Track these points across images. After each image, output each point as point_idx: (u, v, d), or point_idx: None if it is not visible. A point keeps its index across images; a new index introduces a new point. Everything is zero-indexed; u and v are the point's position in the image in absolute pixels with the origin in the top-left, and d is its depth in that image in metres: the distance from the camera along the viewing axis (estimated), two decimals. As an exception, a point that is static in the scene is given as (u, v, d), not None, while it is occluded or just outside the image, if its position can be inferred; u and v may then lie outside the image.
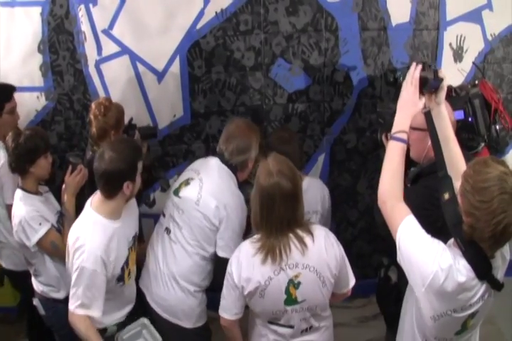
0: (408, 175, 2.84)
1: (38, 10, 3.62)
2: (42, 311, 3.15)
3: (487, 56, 4.12)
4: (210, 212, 2.87)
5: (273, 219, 2.37)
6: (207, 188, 2.92)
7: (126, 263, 2.72)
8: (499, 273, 2.05)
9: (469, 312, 2.03)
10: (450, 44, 4.02)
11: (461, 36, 4.02)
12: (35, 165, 2.94)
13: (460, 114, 2.99)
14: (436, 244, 1.99)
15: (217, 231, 2.90)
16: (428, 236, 2.01)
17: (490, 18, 4.03)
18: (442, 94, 2.23)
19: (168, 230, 3.01)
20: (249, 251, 2.43)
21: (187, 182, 3.02)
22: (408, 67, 2.29)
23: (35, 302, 3.15)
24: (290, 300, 2.44)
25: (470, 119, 3.06)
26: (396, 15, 3.87)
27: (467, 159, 2.44)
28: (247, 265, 2.42)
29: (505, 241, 1.96)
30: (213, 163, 3.02)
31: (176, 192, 3.04)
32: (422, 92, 2.22)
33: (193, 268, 2.96)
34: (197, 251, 2.94)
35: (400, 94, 2.25)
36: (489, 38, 4.08)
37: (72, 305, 2.58)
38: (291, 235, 2.39)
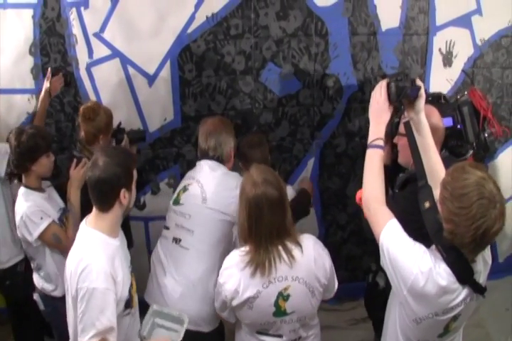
0: (397, 181, 2.88)
1: (29, 12, 3.65)
2: (41, 306, 3.20)
3: (476, 61, 4.14)
4: (220, 204, 2.95)
5: (262, 228, 2.37)
6: (207, 185, 2.99)
7: (131, 286, 2.49)
8: (481, 278, 2.07)
9: (451, 315, 2.05)
10: (440, 49, 4.04)
11: (450, 41, 4.04)
12: (37, 163, 3.00)
13: (449, 121, 3.00)
14: (418, 247, 2.02)
15: (232, 217, 2.93)
16: (409, 240, 2.03)
17: (479, 23, 4.06)
18: (421, 102, 2.26)
19: (176, 240, 3.01)
20: (238, 264, 2.43)
21: (185, 189, 3.08)
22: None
23: (35, 297, 3.19)
24: (279, 312, 2.44)
25: (459, 126, 3.06)
26: (386, 20, 3.89)
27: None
28: (236, 278, 2.43)
29: (486, 245, 1.99)
30: (202, 163, 3.11)
31: (177, 202, 3.07)
32: (400, 102, 2.26)
33: (209, 269, 2.97)
34: (213, 251, 2.96)
35: (369, 105, 2.30)
36: (479, 43, 4.10)
37: (85, 337, 2.22)
38: (280, 247, 2.40)
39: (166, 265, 3.03)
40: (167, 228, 3.11)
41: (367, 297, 3.35)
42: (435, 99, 3.24)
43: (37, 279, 3.19)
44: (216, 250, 2.98)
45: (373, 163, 2.22)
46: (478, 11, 4.04)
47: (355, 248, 4.28)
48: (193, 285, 2.95)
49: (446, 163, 2.54)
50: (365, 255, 4.20)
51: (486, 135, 3.26)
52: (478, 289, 2.04)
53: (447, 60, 4.07)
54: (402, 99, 2.25)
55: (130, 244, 3.68)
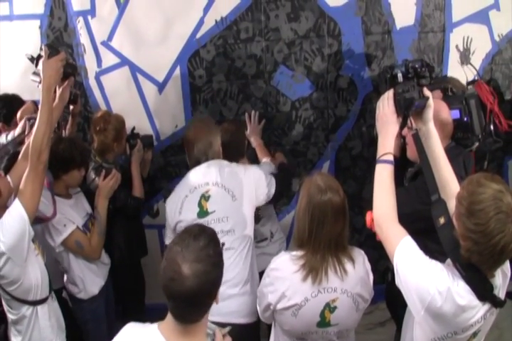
0: (406, 176, 2.94)
1: (36, 23, 3.62)
2: (70, 303, 3.33)
3: (495, 57, 4.03)
4: (247, 195, 2.97)
5: (322, 235, 2.33)
6: (228, 183, 2.96)
7: None
8: (501, 292, 2.01)
9: (470, 332, 1.99)
10: (457, 46, 3.94)
11: (467, 38, 3.93)
12: (68, 174, 3.05)
13: (456, 114, 3.02)
14: (434, 265, 1.95)
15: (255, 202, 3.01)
16: (425, 258, 1.97)
17: (497, 18, 3.95)
18: (429, 112, 2.23)
19: None
20: (289, 266, 2.38)
21: (206, 198, 2.97)
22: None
23: (64, 294, 3.30)
24: (323, 323, 2.42)
25: (466, 119, 3.09)
26: (400, 18, 3.79)
27: (464, 156, 2.62)
28: (285, 281, 2.38)
29: (505, 260, 1.92)
30: (204, 167, 3.00)
31: (204, 213, 2.96)
32: (408, 114, 2.23)
33: (252, 265, 3.00)
34: (251, 245, 2.98)
35: (376, 117, 2.26)
36: (497, 38, 3.99)
37: None
38: (334, 259, 2.37)
39: None
40: None
41: (388, 296, 3.31)
42: (443, 91, 3.26)
43: (65, 279, 3.27)
44: (252, 243, 3.01)
45: (383, 179, 2.18)
46: (496, 5, 3.93)
47: (371, 251, 4.16)
48: (242, 285, 2.94)
49: (454, 152, 2.63)
50: (381, 259, 4.13)
51: (492, 128, 3.29)
52: (497, 303, 1.97)
53: (465, 57, 3.95)
54: (409, 111, 2.20)
55: (145, 252, 3.72)
